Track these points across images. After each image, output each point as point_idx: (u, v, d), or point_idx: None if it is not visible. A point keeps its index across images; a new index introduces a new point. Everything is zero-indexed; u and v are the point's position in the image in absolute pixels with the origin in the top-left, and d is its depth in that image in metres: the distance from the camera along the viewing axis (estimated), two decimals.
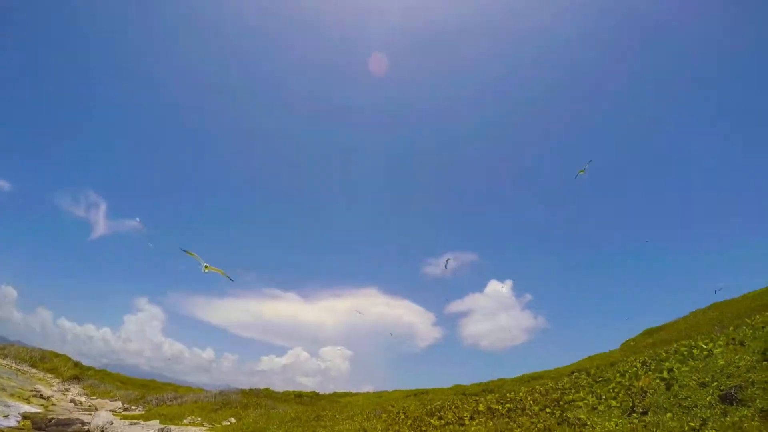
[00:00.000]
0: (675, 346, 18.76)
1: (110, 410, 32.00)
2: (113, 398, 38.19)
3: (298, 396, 40.93)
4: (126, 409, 34.06)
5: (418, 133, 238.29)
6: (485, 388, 34.15)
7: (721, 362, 11.66)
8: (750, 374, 9.81)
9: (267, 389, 40.49)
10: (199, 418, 27.80)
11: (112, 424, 24.41)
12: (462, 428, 16.39)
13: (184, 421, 26.96)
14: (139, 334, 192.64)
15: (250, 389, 38.69)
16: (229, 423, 26.01)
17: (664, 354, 17.84)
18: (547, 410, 15.66)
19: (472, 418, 17.24)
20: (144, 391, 41.77)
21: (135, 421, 26.32)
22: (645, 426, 11.16)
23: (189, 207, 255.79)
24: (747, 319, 15.27)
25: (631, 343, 34.45)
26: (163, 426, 23.75)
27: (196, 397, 35.54)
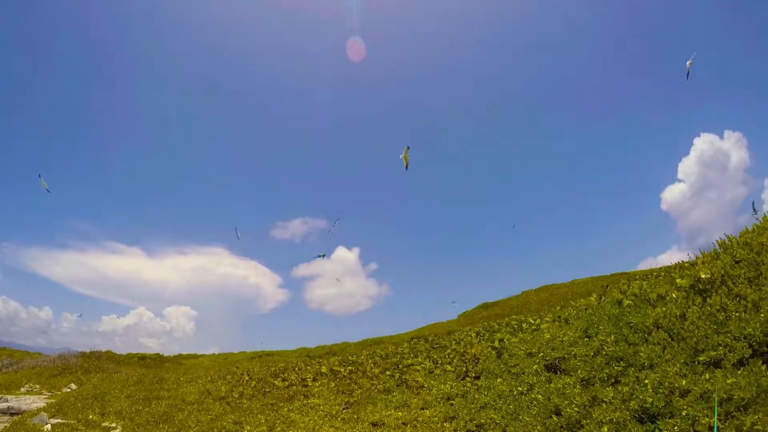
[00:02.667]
0: (507, 319, 20.60)
1: None
2: None
3: (142, 358, 38.96)
4: None
5: (278, 101, 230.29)
6: (329, 351, 34.66)
7: (547, 336, 12.75)
8: (572, 348, 10.78)
9: (109, 351, 37.73)
10: (38, 386, 25.11)
11: None
12: (305, 389, 15.97)
13: (22, 389, 24.05)
14: None
15: (91, 352, 35.49)
16: (69, 389, 23.69)
17: (497, 326, 19.44)
18: (387, 373, 16.00)
19: (314, 380, 16.97)
20: None
21: None
22: (477, 389, 11.79)
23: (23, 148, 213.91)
24: (572, 302, 17.12)
25: (468, 315, 37.59)
26: None
27: (33, 363, 31.57)
